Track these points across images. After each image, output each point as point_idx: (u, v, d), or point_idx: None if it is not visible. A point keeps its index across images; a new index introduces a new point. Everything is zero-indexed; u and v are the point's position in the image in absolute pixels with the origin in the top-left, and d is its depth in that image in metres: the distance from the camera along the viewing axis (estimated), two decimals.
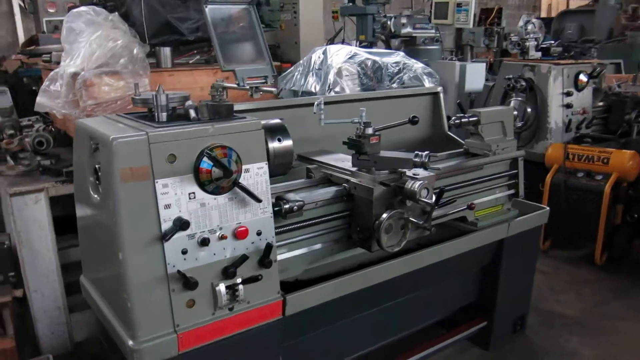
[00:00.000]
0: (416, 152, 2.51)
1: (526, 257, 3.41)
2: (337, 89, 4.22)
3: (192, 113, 2.06)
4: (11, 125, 3.47)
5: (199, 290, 1.99)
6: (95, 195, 2.05)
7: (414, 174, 2.55)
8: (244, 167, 2.05)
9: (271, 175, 2.33)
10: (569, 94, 5.12)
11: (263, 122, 2.33)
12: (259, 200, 2.07)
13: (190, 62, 3.63)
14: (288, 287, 2.33)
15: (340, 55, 4.39)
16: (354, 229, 2.58)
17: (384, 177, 2.51)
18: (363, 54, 4.36)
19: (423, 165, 2.50)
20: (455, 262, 2.96)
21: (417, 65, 4.42)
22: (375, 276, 2.54)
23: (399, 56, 4.43)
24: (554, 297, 4.16)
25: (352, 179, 2.56)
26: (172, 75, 3.33)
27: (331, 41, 7.22)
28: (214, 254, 2.02)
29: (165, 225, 1.90)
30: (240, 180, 2.04)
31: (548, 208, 3.39)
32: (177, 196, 1.92)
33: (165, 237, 1.87)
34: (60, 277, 3.21)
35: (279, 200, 2.32)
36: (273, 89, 2.56)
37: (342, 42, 6.71)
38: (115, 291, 1.98)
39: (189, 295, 1.98)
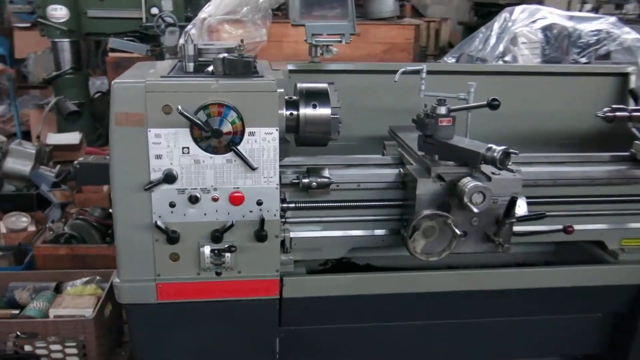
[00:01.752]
0: (490, 145, 2.05)
1: None
2: (508, 58, 3.67)
3: (212, 67, 2.04)
4: None
5: (184, 247, 2.04)
6: None
7: (492, 173, 2.11)
8: (249, 129, 1.97)
9: (304, 145, 2.22)
10: None
11: (302, 84, 2.20)
12: (252, 168, 1.97)
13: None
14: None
15: (523, 17, 3.78)
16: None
17: (445, 169, 2.13)
18: (553, 17, 3.67)
19: (494, 163, 2.03)
20: (549, 296, 2.40)
21: (629, 36, 3.53)
22: (406, 284, 2.23)
23: (603, 23, 3.59)
24: None
25: (410, 165, 2.24)
26: (296, 28, 3.31)
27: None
28: (205, 214, 2.03)
29: (155, 175, 1.97)
30: (242, 144, 1.98)
31: None
32: (169, 148, 1.96)
33: (146, 186, 1.94)
34: None
35: (308, 173, 2.19)
36: (334, 49, 2.36)
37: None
38: None
39: (172, 249, 2.03)
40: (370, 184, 2.26)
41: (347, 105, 2.87)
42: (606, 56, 3.63)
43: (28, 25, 6.73)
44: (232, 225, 2.01)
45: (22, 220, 3.43)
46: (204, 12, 3.32)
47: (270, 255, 2.10)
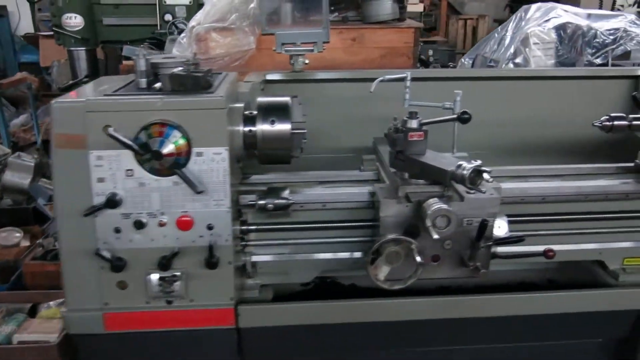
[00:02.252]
0: (461, 162, 1.86)
1: None
2: (519, 59, 3.43)
3: (159, 83, 1.94)
4: None
5: (132, 274, 1.94)
6: None
7: (467, 192, 1.92)
8: (196, 150, 1.86)
9: (265, 163, 2.11)
10: None
11: (262, 98, 2.07)
12: (196, 191, 1.85)
13: None
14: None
15: (537, 16, 3.53)
16: None
17: (414, 189, 1.95)
18: (568, 16, 3.40)
19: (463, 181, 1.84)
20: (545, 322, 2.20)
21: None
22: (376, 312, 2.08)
23: (622, 21, 3.30)
24: None
25: (379, 184, 2.08)
26: None
27: None
28: (152, 240, 1.92)
29: (98, 200, 1.87)
30: (190, 165, 1.86)
31: None
32: (112, 171, 1.86)
33: (85, 212, 1.85)
34: None
35: (266, 193, 2.05)
36: (300, 60, 2.21)
37: None
38: None
39: (119, 276, 1.94)
40: (337, 204, 2.11)
41: (337, 115, 2.74)
42: (625, 56, 3.33)
43: (52, 33, 6.85)
44: (177, 253, 1.90)
45: (14, 236, 3.43)
46: (194, 20, 3.22)
47: (224, 282, 1.98)
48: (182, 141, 1.83)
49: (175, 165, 1.84)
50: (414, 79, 2.39)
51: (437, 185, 1.94)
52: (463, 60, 4.32)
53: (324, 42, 2.32)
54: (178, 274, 1.93)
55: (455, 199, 1.92)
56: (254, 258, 2.13)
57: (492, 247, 2.00)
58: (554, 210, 2.20)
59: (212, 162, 1.88)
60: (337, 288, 2.45)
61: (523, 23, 3.54)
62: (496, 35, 3.92)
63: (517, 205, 2.17)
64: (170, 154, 1.82)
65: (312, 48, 2.31)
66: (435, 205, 1.82)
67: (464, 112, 1.96)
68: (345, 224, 2.12)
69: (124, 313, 1.98)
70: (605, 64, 3.26)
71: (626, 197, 2.19)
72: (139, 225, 1.89)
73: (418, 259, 1.83)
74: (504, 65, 3.44)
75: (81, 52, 5.62)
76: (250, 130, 2.01)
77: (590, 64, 3.22)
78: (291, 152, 2.05)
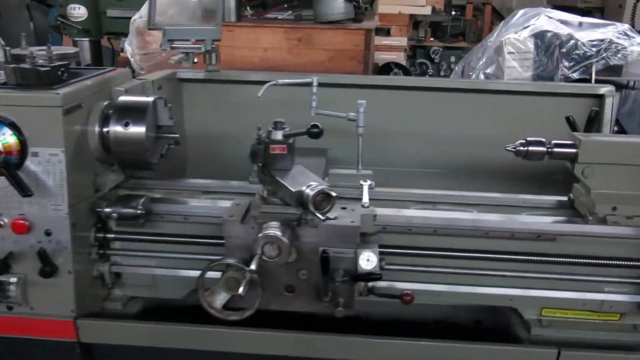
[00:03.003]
0: (312, 182, 1.71)
1: None
2: (490, 70, 3.19)
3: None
4: None
5: None
6: None
7: (327, 217, 1.75)
8: (33, 149, 1.80)
9: (125, 168, 2.05)
10: None
11: (122, 98, 1.99)
12: (22, 195, 1.78)
13: (280, 17, 3.27)
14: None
15: (519, 22, 3.27)
16: None
17: (269, 209, 1.81)
18: (550, 23, 3.12)
19: (305, 205, 1.68)
20: None
21: (638, 48, 2.91)
22: (213, 341, 1.94)
23: (610, 31, 2.98)
24: None
25: (240, 200, 1.96)
26: (231, 31, 3.08)
27: None
28: None
29: None
30: (26, 165, 1.81)
31: None
32: None
33: None
34: None
35: (117, 202, 1.97)
36: (175, 58, 2.11)
37: None
38: None
39: None
40: (198, 218, 2.00)
41: (262, 120, 2.61)
42: (616, 71, 3.01)
43: None
44: (8, 257, 1.85)
45: None
46: (138, 14, 3.21)
47: (63, 292, 1.90)
48: (12, 139, 1.76)
49: (4, 164, 1.78)
50: (351, 86, 2.27)
51: (293, 208, 1.79)
52: (456, 68, 4.08)
53: (215, 40, 2.21)
54: (13, 280, 1.88)
55: (311, 224, 1.78)
56: (114, 268, 2.06)
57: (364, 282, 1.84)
58: (457, 246, 1.99)
59: (48, 164, 1.81)
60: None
61: (504, 30, 3.28)
62: (483, 42, 3.68)
63: (406, 236, 1.98)
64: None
65: (200, 46, 2.20)
66: (266, 230, 1.67)
67: (314, 126, 1.79)
68: (211, 240, 2.01)
69: None
70: (586, 80, 2.96)
71: (537, 237, 1.95)
72: None
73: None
74: (474, 75, 3.20)
75: (85, 43, 5.75)
76: (108, 132, 1.94)
77: (567, 78, 2.92)
78: (147, 158, 1.95)
